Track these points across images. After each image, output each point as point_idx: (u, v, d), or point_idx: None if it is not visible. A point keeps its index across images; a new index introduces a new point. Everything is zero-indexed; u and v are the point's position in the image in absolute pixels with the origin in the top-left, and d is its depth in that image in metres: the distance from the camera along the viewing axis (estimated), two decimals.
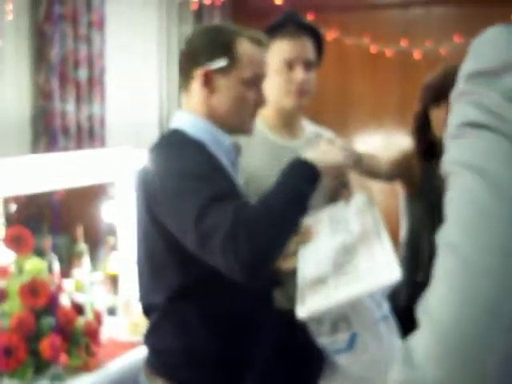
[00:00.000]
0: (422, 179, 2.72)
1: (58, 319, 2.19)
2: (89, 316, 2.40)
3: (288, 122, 2.30)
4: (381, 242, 1.74)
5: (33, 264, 2.25)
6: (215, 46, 1.80)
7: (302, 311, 1.64)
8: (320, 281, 1.72)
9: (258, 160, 2.15)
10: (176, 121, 1.87)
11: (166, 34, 4.42)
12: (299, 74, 2.18)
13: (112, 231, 3.22)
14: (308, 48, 2.21)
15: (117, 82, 3.93)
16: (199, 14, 4.67)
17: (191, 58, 1.83)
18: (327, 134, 2.43)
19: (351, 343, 1.86)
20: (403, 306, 2.31)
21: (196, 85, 1.82)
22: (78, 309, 2.37)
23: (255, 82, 1.81)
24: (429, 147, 2.73)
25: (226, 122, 1.82)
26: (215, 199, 1.54)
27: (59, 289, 2.33)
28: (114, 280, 2.95)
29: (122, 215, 3.20)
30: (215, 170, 1.69)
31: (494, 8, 4.51)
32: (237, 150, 1.90)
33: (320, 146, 1.79)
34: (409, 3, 4.78)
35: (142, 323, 2.64)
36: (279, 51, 2.19)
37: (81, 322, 2.30)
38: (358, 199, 2.07)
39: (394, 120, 4.85)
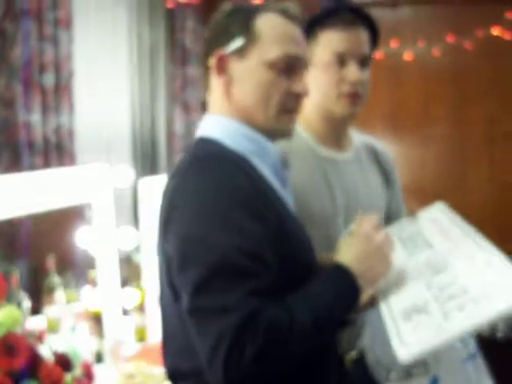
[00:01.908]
0: None
1: (42, 382, 1.74)
2: (77, 371, 1.96)
3: (336, 131, 1.88)
4: (484, 251, 1.36)
5: (6, 313, 1.79)
6: (232, 26, 1.42)
7: (406, 353, 1.21)
8: (417, 310, 1.30)
9: (300, 174, 1.72)
10: (206, 127, 1.45)
11: (137, 34, 3.98)
12: (354, 71, 1.75)
13: (90, 261, 2.78)
14: (364, 41, 1.79)
15: (86, 88, 3.48)
16: (171, 13, 4.26)
17: (207, 46, 1.46)
18: (378, 144, 2.02)
19: None
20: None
21: (213, 77, 1.44)
22: (63, 363, 1.92)
23: (289, 65, 1.40)
24: None
25: (252, 119, 1.41)
26: (232, 269, 1.17)
27: (39, 339, 1.89)
28: (96, 320, 2.50)
29: (101, 242, 2.76)
30: (249, 208, 1.25)
31: (487, 6, 4.24)
32: (284, 162, 1.49)
33: (365, 247, 1.39)
34: (397, 2, 4.44)
35: (138, 373, 2.22)
36: (329, 43, 1.76)
37: (68, 380, 1.85)
38: (429, 211, 1.69)
39: (385, 126, 4.53)
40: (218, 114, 1.44)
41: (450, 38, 4.28)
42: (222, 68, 1.40)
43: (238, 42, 1.39)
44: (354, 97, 1.77)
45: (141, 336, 2.72)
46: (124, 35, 3.93)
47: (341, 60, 1.76)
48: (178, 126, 4.41)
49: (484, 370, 1.60)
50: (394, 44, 4.31)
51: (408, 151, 4.50)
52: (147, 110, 4.14)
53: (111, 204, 2.84)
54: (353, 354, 1.77)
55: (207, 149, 1.38)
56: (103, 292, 2.71)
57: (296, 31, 1.43)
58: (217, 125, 1.43)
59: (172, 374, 1.42)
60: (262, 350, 1.13)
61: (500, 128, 4.39)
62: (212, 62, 1.42)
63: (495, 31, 4.21)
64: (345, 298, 1.31)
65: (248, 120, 1.41)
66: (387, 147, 2.06)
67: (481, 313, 1.17)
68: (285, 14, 1.41)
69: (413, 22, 4.43)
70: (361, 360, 1.71)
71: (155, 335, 2.75)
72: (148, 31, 4.08)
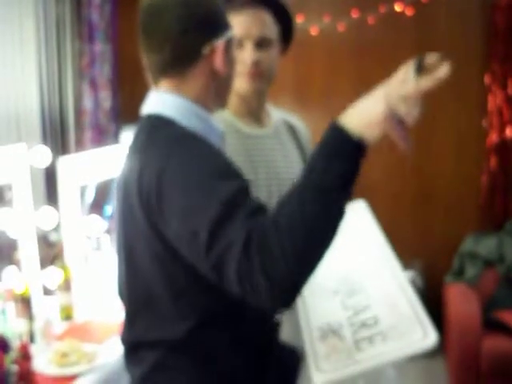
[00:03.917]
0: None
1: None
2: (14, 352, 1.95)
3: (251, 108, 1.97)
4: (398, 281, 1.50)
5: None
6: (223, 14, 1.51)
7: (320, 377, 1.36)
8: (333, 332, 1.44)
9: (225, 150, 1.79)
10: (157, 105, 1.47)
11: (43, 9, 3.88)
12: (247, 53, 1.86)
13: (11, 243, 2.74)
14: (261, 22, 1.88)
15: None
16: None
17: (199, 31, 1.45)
18: (295, 121, 2.12)
19: None
20: None
21: (203, 66, 1.46)
22: (2, 345, 1.92)
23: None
24: None
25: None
26: (228, 215, 1.21)
27: None
28: (24, 300, 2.48)
29: (21, 223, 2.73)
30: (230, 172, 1.34)
31: None
32: (223, 138, 1.57)
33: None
34: None
35: (72, 352, 2.23)
36: None
37: (10, 361, 1.85)
38: (351, 211, 1.77)
39: (290, 99, 4.62)
40: (175, 95, 1.46)
41: (355, 13, 4.41)
42: (224, 58, 1.46)
43: (230, 32, 1.49)
44: (253, 75, 1.87)
45: (67, 314, 2.72)
46: (30, 11, 3.82)
47: (238, 43, 1.85)
48: (87, 103, 4.36)
49: None
50: (300, 19, 4.38)
51: (313, 123, 4.55)
52: (55, 87, 4.06)
53: (29, 184, 2.81)
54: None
55: (173, 129, 1.42)
56: (26, 273, 2.69)
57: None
58: (168, 103, 1.46)
59: (137, 343, 1.47)
60: (284, 253, 1.15)
61: None
62: (210, 49, 1.44)
63: (398, 7, 4.36)
64: (342, 150, 1.24)
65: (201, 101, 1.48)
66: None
67: (387, 353, 1.32)
68: None
69: None
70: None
71: (82, 313, 2.76)
72: (54, 6, 3.99)
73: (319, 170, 1.21)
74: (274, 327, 1.59)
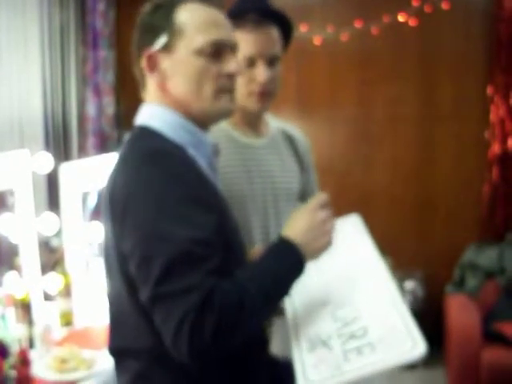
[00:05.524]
0: None
1: None
2: (13, 358, 1.95)
3: (250, 119, 1.97)
4: (389, 293, 1.48)
5: None
6: (155, 23, 1.47)
7: None
8: (321, 343, 1.43)
9: (220, 160, 1.74)
10: (146, 117, 1.49)
11: (48, 16, 3.90)
12: (262, 72, 1.83)
13: (15, 248, 2.74)
14: (273, 41, 1.86)
15: None
16: None
17: (137, 47, 1.51)
18: (293, 131, 2.10)
19: None
20: None
21: (147, 75, 1.49)
22: (1, 350, 1.92)
23: (217, 50, 1.44)
24: None
25: (190, 110, 1.46)
26: (189, 257, 1.24)
27: None
28: (24, 306, 2.48)
29: (22, 228, 2.73)
30: (197, 200, 1.33)
31: None
32: (215, 150, 1.56)
33: (310, 220, 1.45)
34: None
35: (71, 358, 2.23)
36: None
37: (8, 367, 1.85)
38: (345, 224, 1.75)
39: (294, 108, 4.63)
40: (163, 106, 1.47)
41: (358, 24, 4.42)
42: (152, 66, 1.46)
43: (162, 39, 1.44)
44: (264, 95, 1.86)
45: (67, 321, 2.72)
46: (34, 17, 3.84)
47: (250, 62, 1.83)
48: (90, 109, 4.37)
49: None
50: (303, 28, 4.40)
51: (317, 132, 4.61)
52: (59, 93, 4.07)
53: (31, 190, 2.81)
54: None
55: (152, 142, 1.42)
56: (27, 278, 2.69)
57: (217, 15, 1.47)
58: (157, 115, 1.47)
59: (120, 351, 1.48)
60: (218, 326, 1.21)
61: (400, 109, 4.57)
62: (143, 62, 1.47)
63: (401, 17, 4.38)
64: (290, 269, 1.39)
65: (186, 112, 1.46)
66: (299, 129, 2.15)
67: (376, 364, 1.31)
68: (203, 0, 1.46)
69: (322, 7, 4.54)
70: None
71: (82, 319, 2.76)
72: (58, 13, 4.01)
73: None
74: (263, 341, 1.57)
